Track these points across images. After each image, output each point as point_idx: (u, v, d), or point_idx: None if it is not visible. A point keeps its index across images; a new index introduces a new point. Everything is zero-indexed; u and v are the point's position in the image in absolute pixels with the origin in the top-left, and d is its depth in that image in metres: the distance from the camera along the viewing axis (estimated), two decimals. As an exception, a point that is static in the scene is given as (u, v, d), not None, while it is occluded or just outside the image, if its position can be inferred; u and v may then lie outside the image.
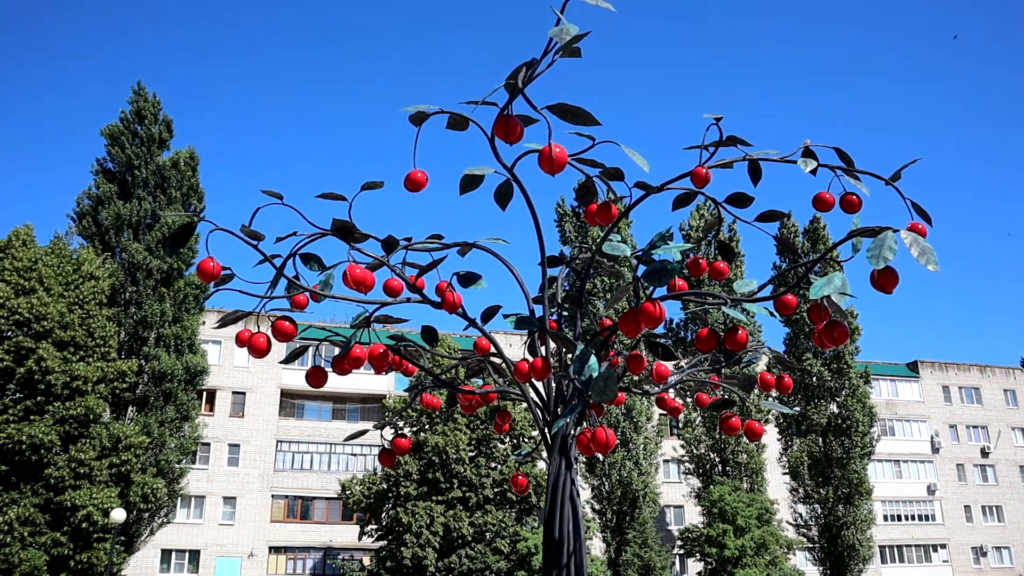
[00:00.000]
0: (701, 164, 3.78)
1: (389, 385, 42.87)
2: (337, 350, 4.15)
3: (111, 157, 31.02)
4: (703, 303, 3.65)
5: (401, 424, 33.79)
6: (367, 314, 3.83)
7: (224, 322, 3.72)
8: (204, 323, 32.87)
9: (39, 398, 25.20)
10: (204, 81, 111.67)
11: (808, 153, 3.82)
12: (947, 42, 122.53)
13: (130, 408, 28.45)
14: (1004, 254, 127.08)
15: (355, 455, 43.41)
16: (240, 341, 3.94)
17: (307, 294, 3.89)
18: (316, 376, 4.03)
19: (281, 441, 42.91)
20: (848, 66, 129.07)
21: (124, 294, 29.33)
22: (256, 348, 3.56)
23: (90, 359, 26.47)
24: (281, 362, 3.96)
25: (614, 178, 3.86)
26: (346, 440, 4.40)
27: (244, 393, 42.75)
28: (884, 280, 2.89)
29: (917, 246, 2.81)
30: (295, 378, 42.03)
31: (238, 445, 42.01)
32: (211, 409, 41.67)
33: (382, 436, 4.83)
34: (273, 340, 3.66)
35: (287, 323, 3.62)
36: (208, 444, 40.23)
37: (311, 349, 4.23)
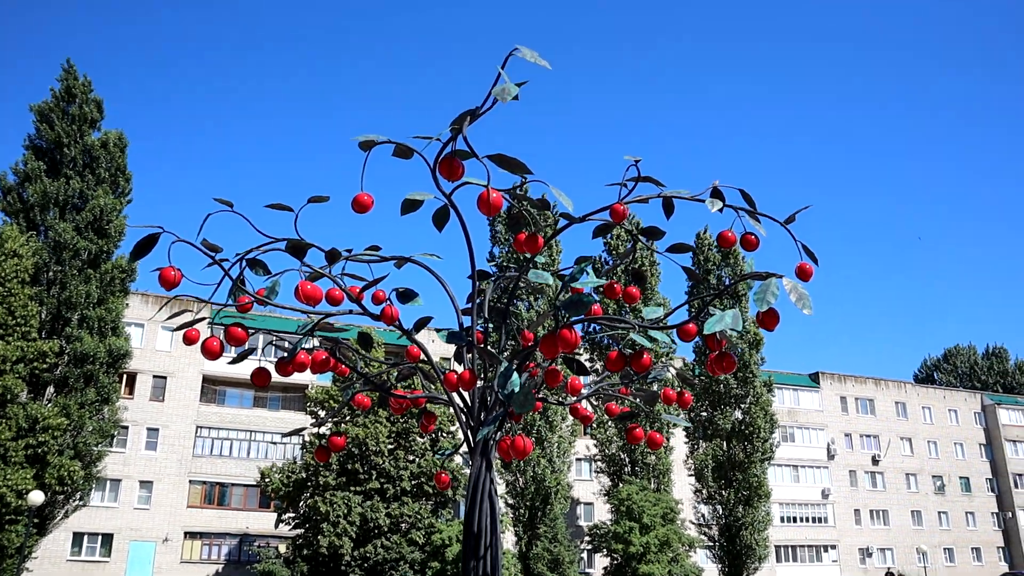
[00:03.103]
0: (620, 200, 4.11)
1: (311, 376, 42.55)
2: (277, 344, 4.38)
3: (40, 134, 30.12)
4: (614, 328, 4.01)
5: (323, 414, 33.65)
6: (312, 324, 4.08)
7: (181, 326, 3.91)
8: (128, 305, 32.16)
9: (-46, 376, 24.38)
10: (141, 63, 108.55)
11: (716, 193, 4.15)
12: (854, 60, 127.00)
13: (49, 389, 27.69)
14: (903, 275, 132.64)
15: (275, 443, 42.95)
16: (189, 340, 4.13)
17: (253, 299, 4.11)
18: (260, 376, 4.24)
19: (201, 427, 42.18)
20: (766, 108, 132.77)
21: (47, 273, 28.51)
22: (209, 351, 3.78)
23: (10, 338, 25.69)
24: (230, 363, 4.18)
25: (542, 209, 4.20)
26: (286, 436, 4.66)
27: (165, 377, 41.87)
28: (767, 320, 3.28)
29: (796, 292, 3.20)
30: (217, 364, 41.29)
31: (157, 429, 41.14)
32: (131, 392, 40.69)
33: (320, 427, 5.07)
34: (224, 343, 3.88)
35: (240, 329, 3.84)
36: (127, 427, 39.28)
37: (258, 340, 4.45)
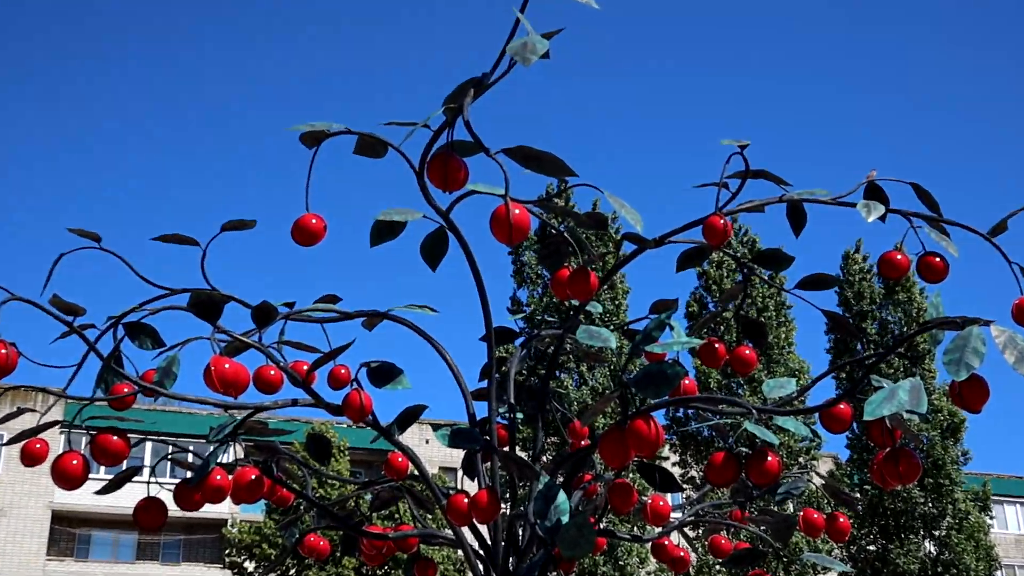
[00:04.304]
0: (719, 209, 4.02)
1: (232, 507, 42.42)
2: (185, 461, 4.37)
3: None
4: (718, 414, 3.99)
5: (252, 567, 33.56)
6: (234, 423, 4.03)
7: (17, 435, 3.90)
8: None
9: None
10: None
11: (873, 192, 4.04)
12: None
13: None
14: None
15: (174, 618, 42.92)
16: (31, 457, 4.03)
17: (136, 387, 4.03)
18: (150, 512, 4.08)
19: (52, 596, 42.24)
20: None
21: None
22: (68, 477, 3.71)
23: None
24: (99, 491, 4.19)
25: (595, 228, 4.20)
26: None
27: (-9, 517, 42.04)
28: (970, 394, 3.15)
29: (1013, 348, 3.07)
30: (78, 494, 41.16)
31: (-23, 604, 41.26)
32: (-67, 543, 40.90)
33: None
34: (92, 462, 3.85)
35: (115, 437, 3.80)
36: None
37: (145, 453, 4.42)
